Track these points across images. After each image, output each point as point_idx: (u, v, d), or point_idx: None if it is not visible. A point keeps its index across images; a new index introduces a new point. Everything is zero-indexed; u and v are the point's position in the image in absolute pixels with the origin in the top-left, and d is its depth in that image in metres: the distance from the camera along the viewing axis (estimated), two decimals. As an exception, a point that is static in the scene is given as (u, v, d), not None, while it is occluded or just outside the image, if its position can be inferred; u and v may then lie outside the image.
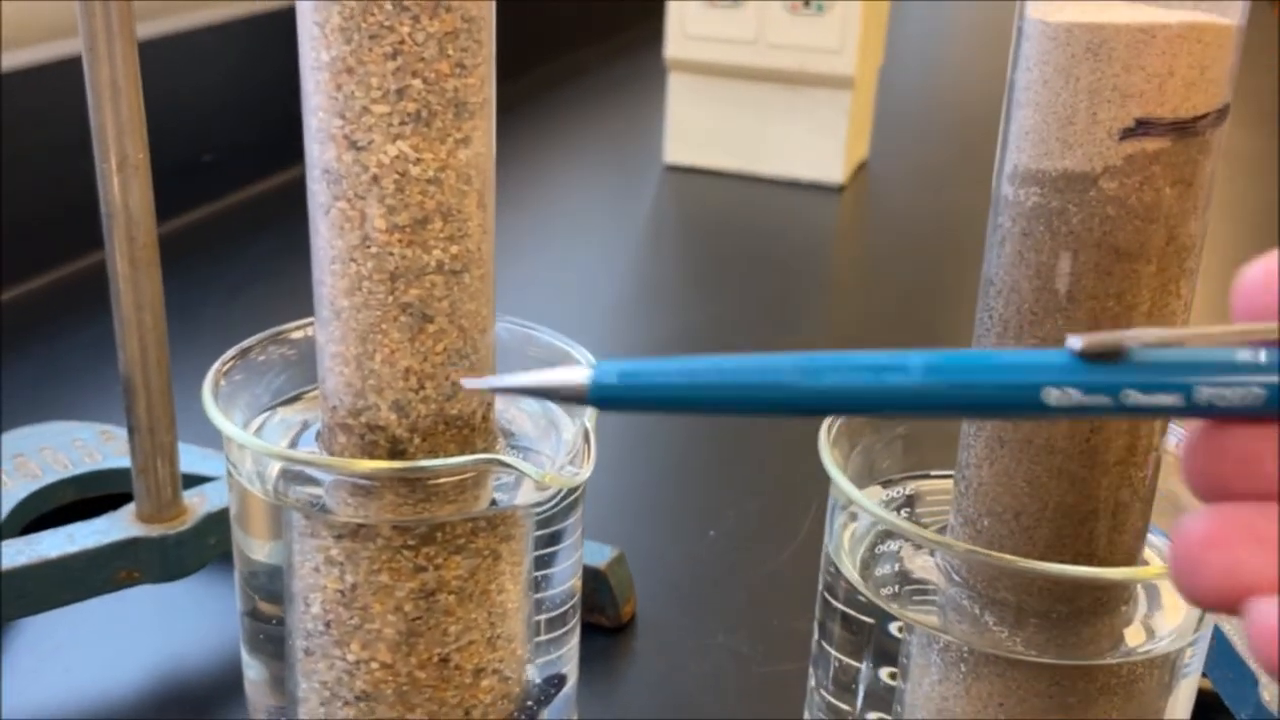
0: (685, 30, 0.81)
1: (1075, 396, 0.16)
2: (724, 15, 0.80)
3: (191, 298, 0.60)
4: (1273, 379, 0.15)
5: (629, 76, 1.12)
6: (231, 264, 0.65)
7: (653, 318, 0.65)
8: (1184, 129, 0.22)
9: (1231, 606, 0.15)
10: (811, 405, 0.17)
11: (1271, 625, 0.14)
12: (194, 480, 0.37)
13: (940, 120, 1.05)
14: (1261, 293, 0.16)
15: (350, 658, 0.28)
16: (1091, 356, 0.16)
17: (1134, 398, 0.16)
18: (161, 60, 0.67)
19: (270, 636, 0.29)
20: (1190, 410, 0.16)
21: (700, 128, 0.84)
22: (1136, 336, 0.16)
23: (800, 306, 0.68)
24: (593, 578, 0.38)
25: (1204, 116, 0.22)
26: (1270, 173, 0.93)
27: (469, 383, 0.21)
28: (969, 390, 0.16)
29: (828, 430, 0.27)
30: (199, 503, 0.35)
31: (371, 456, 0.27)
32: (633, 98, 1.05)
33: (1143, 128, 0.22)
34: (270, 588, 0.28)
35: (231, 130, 0.72)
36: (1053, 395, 0.16)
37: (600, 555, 0.38)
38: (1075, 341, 0.16)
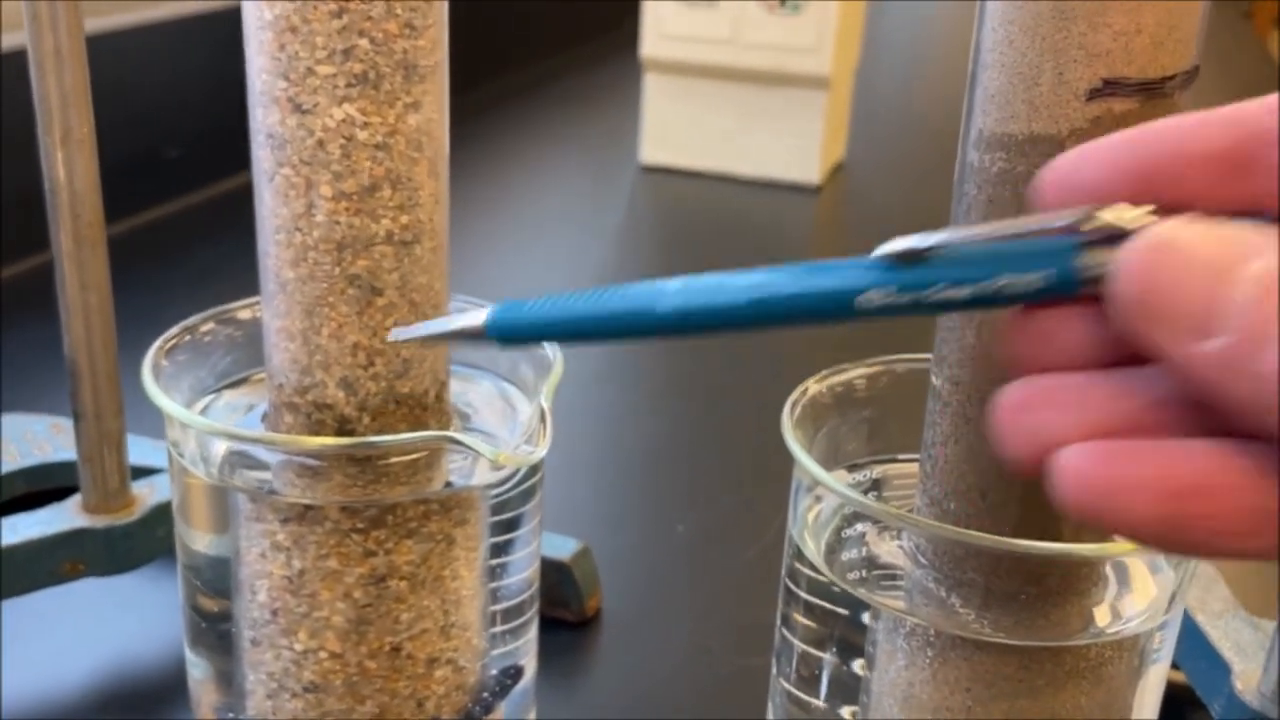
0: (661, 30, 0.81)
1: (881, 298, 0.18)
2: (700, 15, 0.80)
3: (154, 293, 0.59)
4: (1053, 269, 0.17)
5: (606, 77, 1.12)
6: (196, 259, 0.64)
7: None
8: (1151, 90, 0.21)
9: (1040, 463, 0.17)
10: (666, 327, 0.19)
11: (1069, 466, 0.16)
12: (145, 472, 0.36)
13: (917, 120, 1.05)
14: (1068, 177, 0.17)
15: (298, 647, 0.27)
16: (900, 260, 0.18)
17: (934, 295, 0.18)
18: (130, 53, 0.66)
19: (214, 630, 0.28)
20: (989, 300, 0.18)
21: (676, 127, 0.84)
22: (941, 238, 0.18)
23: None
24: (557, 571, 0.37)
25: (1172, 78, 0.21)
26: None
27: (394, 334, 0.22)
28: (793, 301, 0.18)
29: (791, 411, 0.26)
30: (148, 494, 0.34)
31: (318, 435, 0.26)
32: (610, 98, 1.05)
33: (1109, 88, 0.21)
34: (213, 580, 0.27)
35: (198, 125, 0.71)
36: (866, 299, 0.18)
37: (565, 548, 0.38)
38: (885, 247, 0.18)
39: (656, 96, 0.83)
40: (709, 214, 0.80)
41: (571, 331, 0.19)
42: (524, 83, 1.08)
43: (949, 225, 0.23)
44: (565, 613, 0.38)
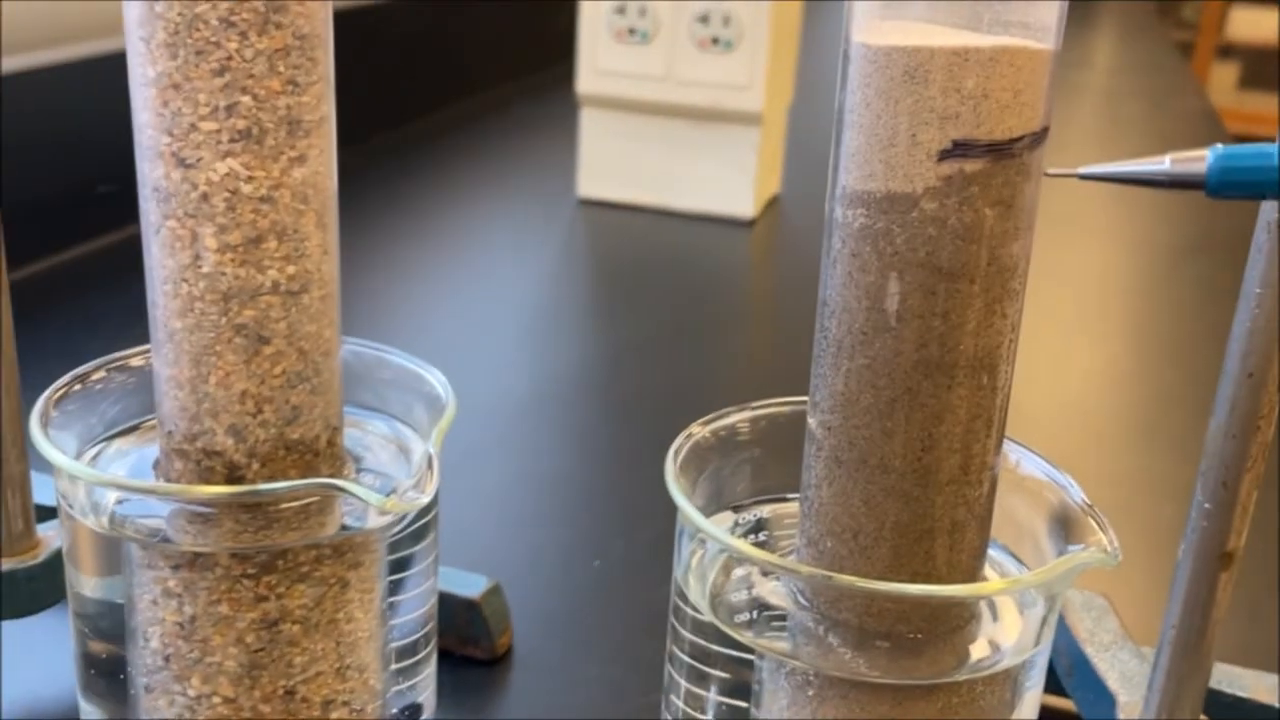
0: (596, 66, 0.82)
1: None
2: (634, 51, 0.81)
3: (78, 332, 0.59)
4: None
5: (544, 112, 1.13)
6: (124, 298, 0.64)
7: (559, 348, 0.65)
8: (1000, 151, 0.22)
9: None
10: None
11: None
12: (51, 513, 0.36)
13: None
14: None
15: (191, 693, 0.27)
16: None
17: None
18: (62, 86, 0.66)
19: (104, 677, 0.28)
20: None
21: (612, 162, 0.85)
22: None
23: (710, 337, 0.68)
24: (466, 609, 0.38)
25: (1020, 139, 0.22)
26: (1165, 209, 0.95)
27: (1084, 170, 0.23)
28: None
29: (674, 457, 0.27)
30: (53, 536, 0.34)
31: (209, 483, 0.26)
32: (547, 133, 1.05)
33: (960, 149, 0.22)
34: (104, 628, 0.28)
35: (131, 161, 0.71)
36: None
37: (475, 586, 0.38)
38: None
39: (592, 132, 0.84)
40: (645, 247, 0.81)
41: None
42: (463, 119, 1.09)
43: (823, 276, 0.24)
44: (476, 650, 0.38)
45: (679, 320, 0.70)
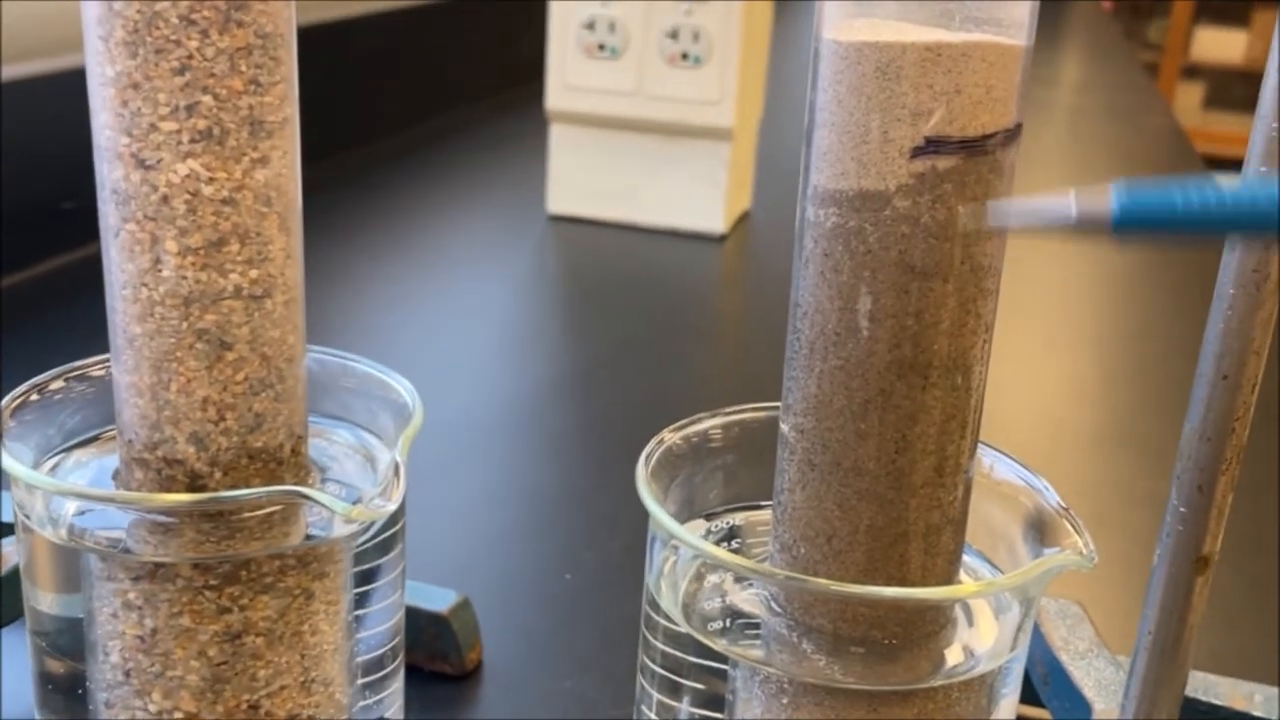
0: (566, 82, 0.82)
1: None
2: (604, 67, 0.81)
3: (42, 348, 0.58)
4: None
5: (514, 128, 1.12)
6: (87, 314, 0.63)
7: (531, 362, 0.64)
8: (973, 147, 0.22)
9: None
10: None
11: None
12: (9, 530, 0.35)
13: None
14: None
15: (152, 708, 0.26)
16: None
17: None
18: (24, 102, 0.65)
19: (61, 694, 0.27)
20: None
21: (582, 178, 0.85)
22: None
23: (681, 352, 0.68)
24: (435, 624, 0.37)
25: (992, 135, 0.22)
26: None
27: (993, 217, 0.22)
28: None
29: (645, 463, 0.27)
30: (12, 553, 0.34)
31: (170, 492, 0.25)
32: (517, 149, 1.05)
33: (932, 146, 0.22)
34: (61, 643, 0.27)
35: (93, 178, 0.70)
36: None
37: (443, 600, 0.37)
38: None
39: (562, 148, 0.84)
40: (615, 262, 0.80)
41: (1197, 226, 0.18)
42: (433, 135, 1.08)
43: (796, 274, 0.24)
44: (445, 665, 0.38)
45: (649, 336, 0.69)
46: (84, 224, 0.70)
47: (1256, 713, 0.34)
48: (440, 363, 0.62)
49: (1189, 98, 3.32)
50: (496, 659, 0.39)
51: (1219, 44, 3.29)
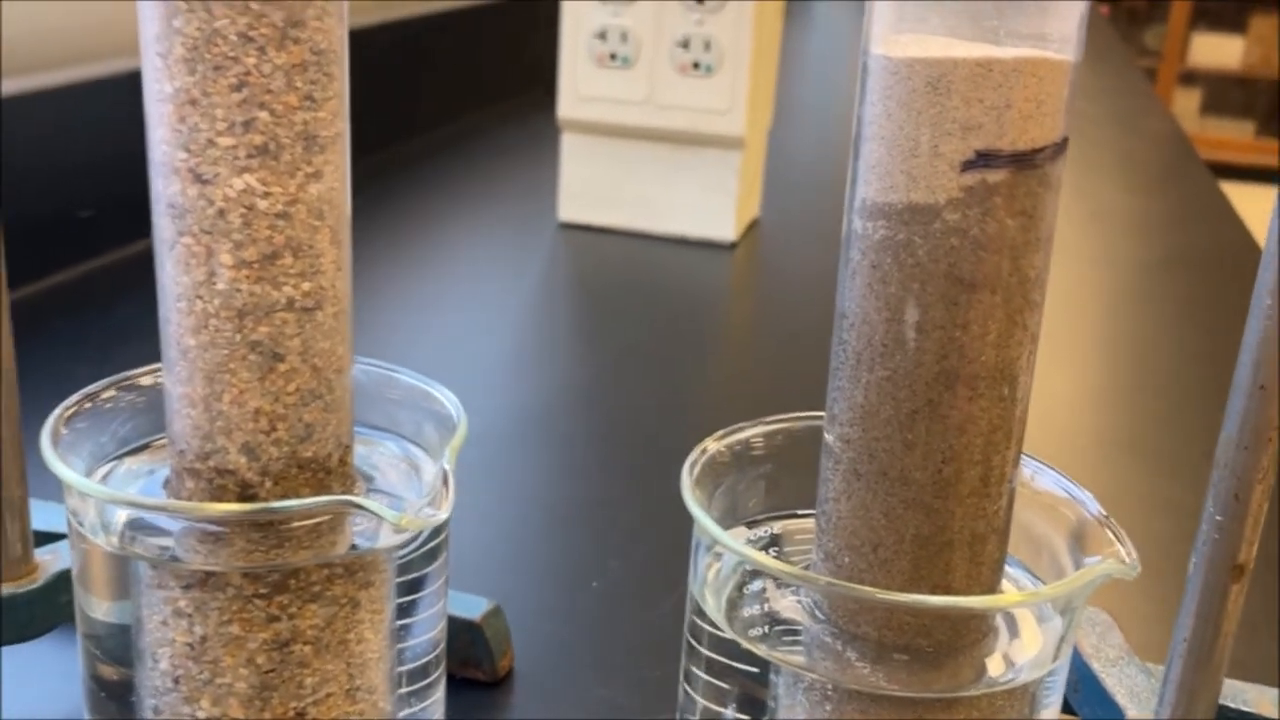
0: (578, 91, 0.82)
1: None
2: (615, 76, 0.81)
3: (62, 357, 0.58)
4: None
5: (524, 137, 1.13)
6: (107, 322, 0.63)
7: (542, 371, 0.65)
8: (1023, 161, 0.22)
9: None
10: None
11: None
12: (49, 538, 0.36)
13: (830, 179, 1.07)
14: None
15: (201, 715, 0.27)
16: None
17: None
18: (41, 113, 0.65)
19: (114, 700, 0.28)
20: None
21: (593, 186, 0.85)
22: None
23: (691, 360, 0.68)
24: (467, 631, 0.37)
25: (1042, 149, 0.22)
26: (1141, 229, 0.96)
27: None
28: None
29: (690, 470, 0.27)
30: (51, 560, 0.34)
31: (221, 501, 0.26)
32: (528, 157, 1.06)
33: (983, 159, 0.22)
34: (113, 649, 0.27)
35: (109, 187, 0.71)
36: None
37: (476, 608, 0.38)
38: None
39: (573, 156, 0.84)
40: (626, 270, 0.81)
41: None
42: (444, 143, 1.09)
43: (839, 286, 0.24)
44: (477, 672, 0.38)
45: (661, 343, 0.70)
46: (99, 233, 0.70)
47: (1285, 718, 0.34)
48: (452, 370, 0.62)
49: (1186, 103, 3.33)
50: (527, 666, 0.39)
51: (1216, 50, 3.30)
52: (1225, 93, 3.27)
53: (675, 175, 0.83)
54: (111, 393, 0.28)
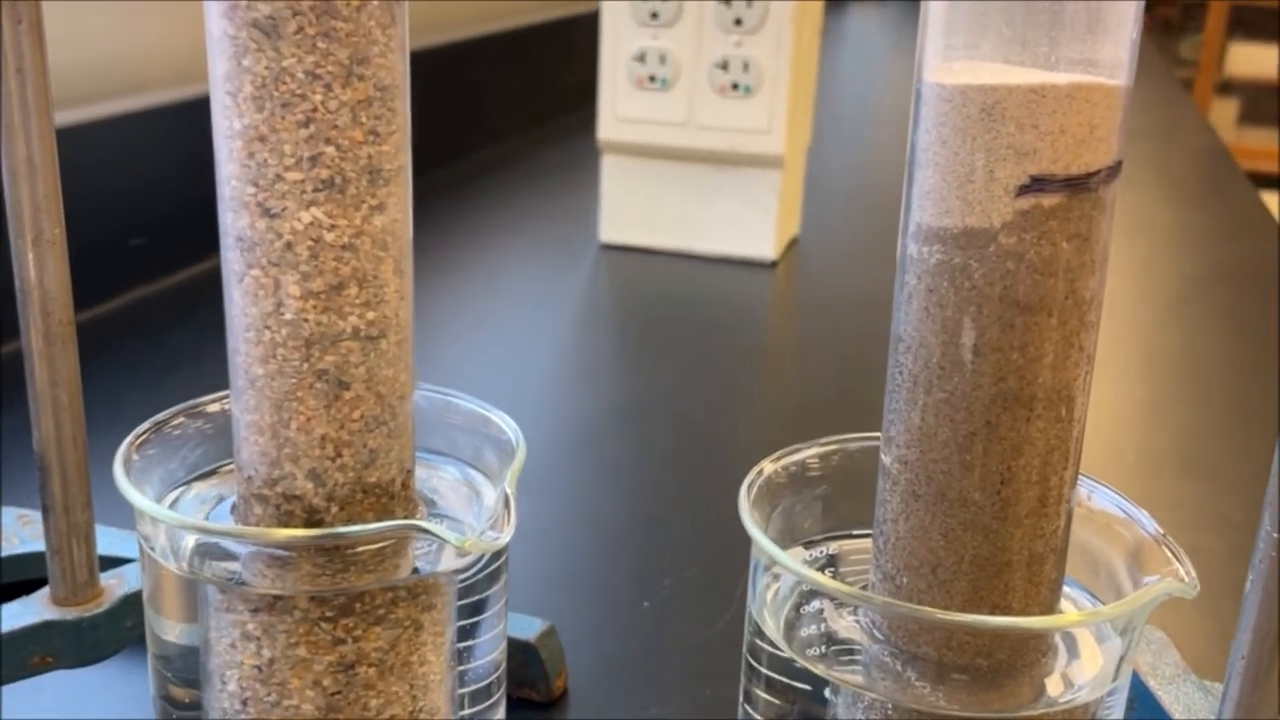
0: (617, 113, 0.83)
1: None
2: (654, 98, 0.82)
3: (116, 383, 0.59)
4: None
5: (565, 158, 1.14)
6: (158, 349, 0.64)
7: (588, 391, 0.65)
8: (1077, 185, 0.22)
9: None
10: None
11: None
12: (113, 562, 0.36)
13: (868, 197, 1.07)
14: None
15: (268, 736, 0.27)
16: None
17: None
18: (92, 144, 0.67)
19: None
20: None
21: (634, 207, 0.86)
22: None
23: (734, 379, 0.68)
24: (523, 651, 0.38)
25: (1096, 173, 0.22)
26: (1183, 242, 0.95)
27: None
28: None
29: (747, 491, 0.27)
30: (116, 585, 0.35)
31: (287, 526, 0.26)
32: (569, 179, 1.06)
33: (1038, 184, 0.22)
34: (184, 670, 0.28)
35: (161, 214, 0.72)
36: None
37: (530, 628, 0.38)
38: None
39: (614, 178, 0.85)
40: (667, 290, 0.81)
41: None
42: (487, 167, 1.10)
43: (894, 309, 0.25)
44: (532, 693, 0.38)
45: (705, 362, 0.70)
46: (150, 261, 0.71)
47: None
48: (497, 391, 0.63)
49: (1223, 113, 3.31)
50: (581, 685, 0.39)
51: (1252, 59, 3.27)
52: (1262, 101, 3.24)
53: (715, 195, 0.84)
54: (180, 420, 0.29)
